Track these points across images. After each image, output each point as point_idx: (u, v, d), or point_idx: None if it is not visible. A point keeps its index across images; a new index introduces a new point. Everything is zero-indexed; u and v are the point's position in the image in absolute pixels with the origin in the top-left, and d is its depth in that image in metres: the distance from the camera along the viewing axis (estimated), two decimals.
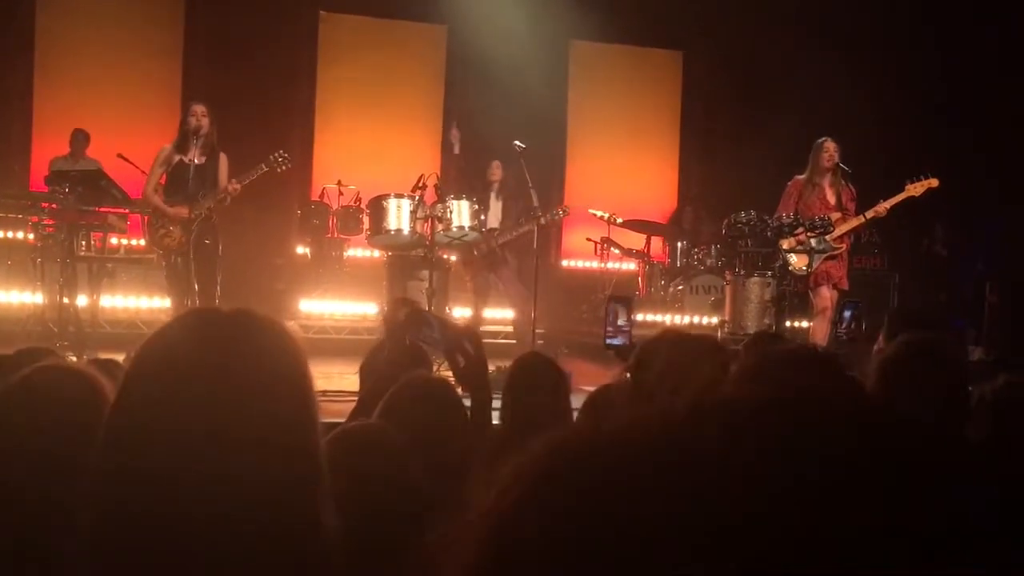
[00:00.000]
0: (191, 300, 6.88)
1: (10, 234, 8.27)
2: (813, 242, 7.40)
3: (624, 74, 12.70)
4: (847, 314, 7.19)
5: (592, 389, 3.25)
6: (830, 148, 7.51)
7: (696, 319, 10.02)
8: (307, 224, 9.87)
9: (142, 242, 8.80)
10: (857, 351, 6.29)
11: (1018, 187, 10.60)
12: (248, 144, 8.19)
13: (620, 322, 4.43)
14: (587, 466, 0.49)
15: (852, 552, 0.43)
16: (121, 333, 7.88)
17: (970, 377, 2.73)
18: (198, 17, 11.10)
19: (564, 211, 8.23)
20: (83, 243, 7.65)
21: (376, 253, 9.47)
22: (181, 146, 7.15)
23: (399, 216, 7.77)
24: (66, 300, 7.16)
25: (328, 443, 1.94)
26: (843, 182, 7.56)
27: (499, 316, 8.92)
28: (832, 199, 7.54)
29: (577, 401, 3.49)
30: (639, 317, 9.90)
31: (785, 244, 7.50)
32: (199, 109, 7.18)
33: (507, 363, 3.70)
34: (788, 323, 8.35)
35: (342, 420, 2.56)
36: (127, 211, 7.92)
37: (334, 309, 9.58)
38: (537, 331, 8.05)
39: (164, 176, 7.23)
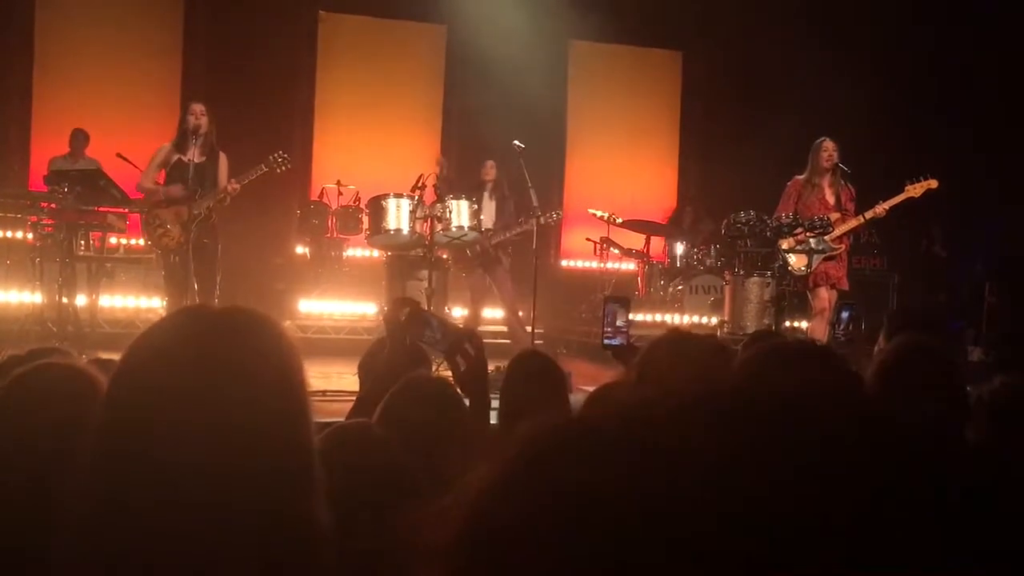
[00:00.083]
0: (189, 299, 6.88)
1: (9, 233, 8.26)
2: (812, 242, 7.40)
3: (624, 74, 12.71)
4: (844, 315, 7.21)
5: (591, 389, 3.24)
6: (829, 148, 7.51)
7: (696, 319, 10.02)
8: (306, 224, 9.87)
9: (141, 242, 8.79)
10: (855, 352, 6.30)
11: (1018, 187, 10.60)
12: (248, 144, 8.19)
13: (618, 323, 4.43)
14: (563, 453, 0.49)
15: (837, 546, 0.43)
16: (120, 333, 7.88)
17: (968, 378, 2.74)
18: (198, 17, 11.09)
19: (557, 215, 8.24)
20: (82, 243, 7.65)
21: (375, 253, 9.47)
22: (180, 145, 7.16)
23: (398, 216, 7.77)
24: (65, 300, 7.16)
25: (321, 440, 1.94)
26: (842, 182, 7.56)
27: (499, 316, 8.93)
28: (831, 199, 7.54)
29: (576, 402, 3.49)
30: (639, 317, 9.90)
31: (784, 244, 7.50)
32: (198, 108, 7.19)
33: (506, 363, 3.69)
34: (787, 323, 8.35)
35: (341, 420, 2.56)
36: (126, 211, 7.92)
37: (333, 309, 9.58)
38: (536, 331, 8.06)
39: (163, 174, 7.24)
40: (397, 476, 1.87)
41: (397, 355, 2.82)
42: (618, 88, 12.61)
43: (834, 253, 7.48)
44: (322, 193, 10.12)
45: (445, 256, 8.44)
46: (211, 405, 1.17)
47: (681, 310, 10.12)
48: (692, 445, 0.46)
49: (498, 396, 3.14)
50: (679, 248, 10.58)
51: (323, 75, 11.65)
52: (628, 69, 12.73)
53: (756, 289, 7.91)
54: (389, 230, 7.79)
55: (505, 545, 0.47)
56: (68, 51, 10.75)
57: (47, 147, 9.92)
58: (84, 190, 7.31)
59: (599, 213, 9.92)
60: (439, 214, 7.69)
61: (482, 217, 8.01)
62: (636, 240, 10.54)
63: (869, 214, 7.49)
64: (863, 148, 8.46)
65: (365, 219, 8.34)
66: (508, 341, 8.37)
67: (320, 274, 9.76)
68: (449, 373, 2.84)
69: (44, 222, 7.45)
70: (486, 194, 8.34)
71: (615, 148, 12.43)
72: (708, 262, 10.21)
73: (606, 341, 4.58)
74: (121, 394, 1.21)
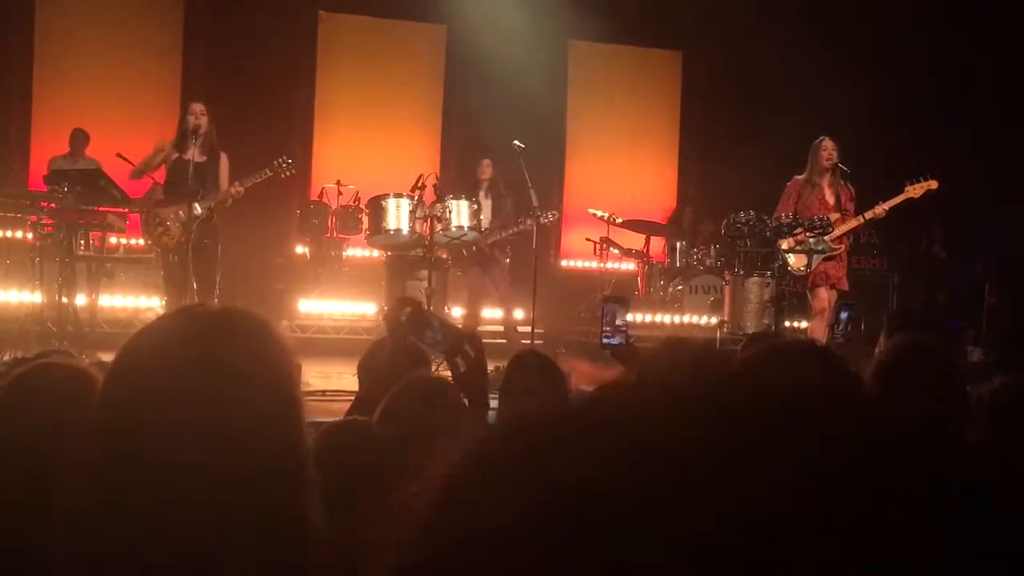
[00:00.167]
0: (189, 299, 6.89)
1: (9, 233, 8.26)
2: (812, 242, 7.40)
3: (623, 74, 12.71)
4: (843, 316, 7.20)
5: (591, 389, 3.24)
6: (828, 147, 7.50)
7: (695, 319, 10.02)
8: (306, 224, 9.86)
9: (141, 241, 8.80)
10: (854, 352, 6.30)
11: (1018, 187, 10.60)
12: (248, 144, 8.20)
13: (617, 322, 4.44)
14: (560, 448, 0.49)
15: (837, 546, 0.43)
16: (120, 333, 7.87)
17: (968, 378, 2.73)
18: (198, 17, 11.10)
19: (554, 215, 8.25)
20: (82, 242, 7.64)
21: (375, 253, 9.47)
22: (181, 145, 7.18)
23: (398, 216, 7.77)
24: (65, 299, 7.16)
25: (319, 438, 1.95)
26: (842, 182, 7.55)
27: (499, 316, 8.93)
28: (831, 199, 7.54)
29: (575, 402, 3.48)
30: (639, 318, 9.91)
31: (784, 244, 7.50)
32: (198, 108, 7.21)
33: (505, 363, 3.69)
34: (787, 323, 8.35)
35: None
36: (126, 210, 7.92)
37: (333, 309, 9.58)
38: (536, 331, 8.06)
39: (163, 171, 7.26)
40: (396, 475, 1.87)
41: (398, 355, 2.82)
42: (618, 88, 12.61)
43: (834, 253, 7.48)
44: (322, 193, 10.12)
45: (446, 257, 8.45)
46: (205, 405, 1.17)
47: (681, 310, 10.12)
48: (691, 444, 0.46)
49: (497, 397, 3.14)
50: (679, 248, 10.58)
51: (323, 75, 11.66)
52: (628, 69, 12.73)
53: (756, 289, 7.91)
54: (389, 230, 7.79)
55: (486, 540, 0.46)
56: (68, 51, 10.75)
57: (47, 147, 9.92)
58: (84, 190, 7.31)
59: (599, 213, 9.91)
60: (439, 214, 7.69)
61: (481, 217, 8.01)
62: (636, 240, 10.54)
63: (869, 214, 7.49)
64: (863, 148, 8.46)
65: (365, 219, 8.34)
66: (503, 341, 8.37)
67: (320, 274, 9.76)
68: (448, 373, 2.84)
69: (44, 222, 7.44)
70: (482, 193, 8.35)
71: (615, 148, 12.43)
72: (708, 262, 10.21)
73: (605, 340, 4.58)
74: (115, 393, 1.22)
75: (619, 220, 10.02)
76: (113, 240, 9.17)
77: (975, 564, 0.44)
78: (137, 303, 8.83)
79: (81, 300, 7.62)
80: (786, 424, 0.47)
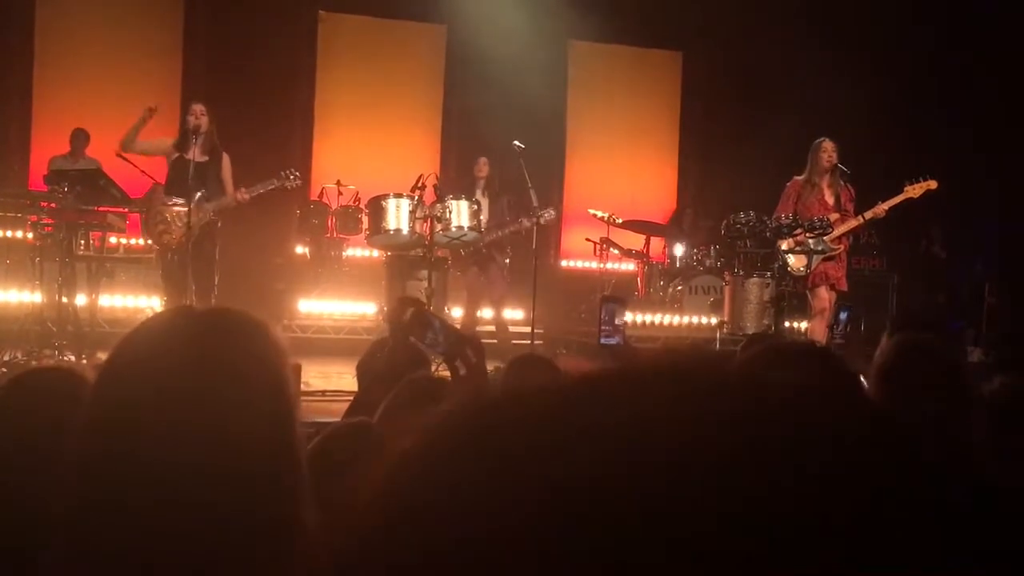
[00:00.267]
0: (188, 299, 6.90)
1: (9, 233, 8.26)
2: (811, 243, 7.40)
3: (623, 74, 12.71)
4: (842, 316, 7.21)
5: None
6: (828, 148, 7.51)
7: (695, 319, 10.02)
8: (306, 224, 9.87)
9: (141, 241, 8.80)
10: (851, 352, 6.30)
11: (1018, 187, 10.61)
12: (248, 144, 8.21)
13: (615, 322, 4.45)
14: (479, 425, 0.49)
15: (837, 546, 0.42)
16: (120, 333, 7.80)
17: (971, 378, 2.73)
18: (198, 17, 11.10)
19: (550, 213, 8.25)
20: (82, 242, 7.64)
21: (375, 253, 9.47)
22: (181, 145, 7.19)
23: (398, 216, 7.77)
24: (65, 299, 7.16)
25: (322, 440, 1.95)
26: (842, 183, 7.56)
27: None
28: (831, 200, 7.55)
29: None
30: (639, 318, 9.92)
31: (784, 245, 7.50)
32: (198, 108, 7.23)
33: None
34: (787, 324, 8.35)
35: (339, 419, 2.56)
36: (126, 210, 7.92)
37: (333, 309, 9.58)
38: (536, 331, 8.06)
39: (164, 170, 7.28)
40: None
41: (399, 354, 2.82)
42: (618, 88, 12.62)
43: (833, 253, 7.48)
44: (322, 193, 10.13)
45: (446, 257, 8.45)
46: (198, 404, 1.17)
47: (681, 311, 10.12)
48: (691, 444, 0.46)
49: None
50: (679, 249, 10.59)
51: (323, 75, 11.66)
52: (628, 69, 12.73)
53: (756, 290, 7.91)
54: (389, 230, 7.79)
55: (433, 511, 0.46)
56: (68, 51, 10.75)
57: (47, 146, 9.92)
58: (84, 190, 7.31)
59: (599, 213, 9.92)
60: (439, 214, 7.70)
61: (482, 217, 8.02)
62: (636, 240, 10.54)
63: (869, 214, 7.49)
64: (863, 148, 8.46)
65: (365, 219, 8.34)
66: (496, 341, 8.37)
67: (320, 274, 9.76)
68: (447, 374, 2.84)
69: (44, 222, 7.44)
70: (479, 191, 8.35)
71: (615, 148, 12.43)
72: (708, 263, 10.21)
73: (603, 340, 4.59)
74: (108, 392, 1.22)
75: (619, 220, 10.02)
76: (113, 240, 9.17)
77: (975, 564, 0.44)
78: (137, 303, 8.84)
79: (81, 300, 7.62)
80: (786, 424, 0.47)
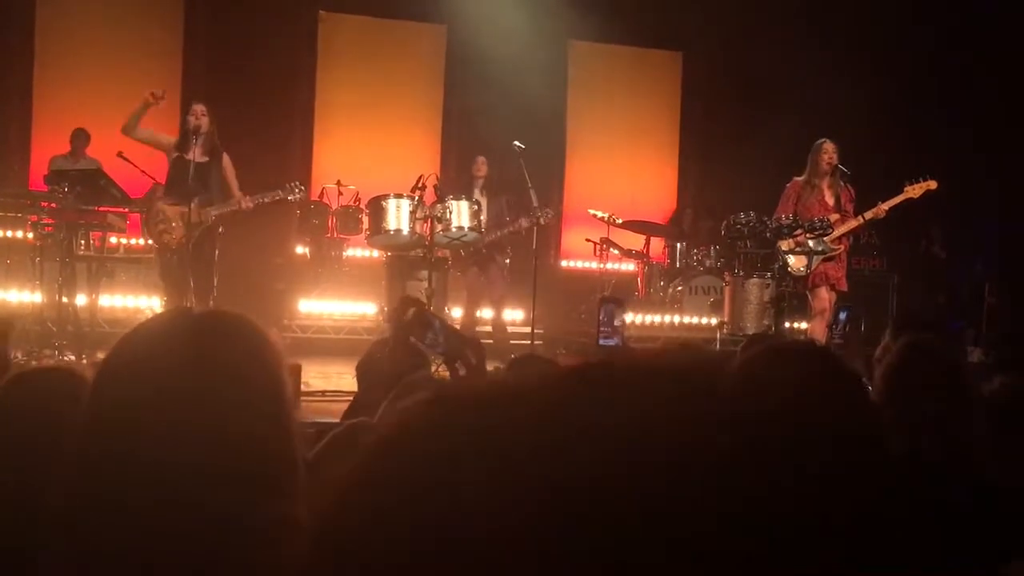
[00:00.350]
0: (187, 299, 6.90)
1: (9, 233, 8.26)
2: (812, 243, 7.40)
3: (623, 74, 12.70)
4: (842, 316, 7.20)
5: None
6: (829, 149, 7.51)
7: (695, 320, 10.02)
8: (306, 224, 9.86)
9: (141, 241, 8.79)
10: (850, 353, 6.30)
11: (1018, 187, 10.61)
12: (248, 144, 8.20)
13: (614, 322, 4.44)
14: (555, 447, 0.49)
15: (837, 546, 0.43)
16: (120, 333, 7.80)
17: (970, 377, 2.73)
18: (198, 17, 11.10)
19: (549, 213, 8.25)
20: (82, 242, 7.64)
21: (375, 253, 9.47)
22: (182, 145, 7.19)
23: (398, 216, 7.77)
24: (65, 299, 7.16)
25: (326, 444, 1.95)
26: (842, 183, 7.56)
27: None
28: (831, 200, 7.54)
29: None
30: (639, 319, 9.91)
31: (784, 245, 7.50)
32: (199, 108, 7.22)
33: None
34: (787, 324, 8.35)
35: (339, 420, 2.56)
36: (126, 210, 7.92)
37: (333, 309, 9.57)
38: (536, 332, 8.06)
39: (165, 170, 7.29)
40: None
41: (399, 355, 2.82)
42: (618, 88, 12.61)
43: (833, 254, 7.48)
44: (322, 193, 10.12)
45: (447, 257, 8.45)
46: (195, 405, 1.17)
47: (681, 311, 10.12)
48: (691, 444, 0.46)
49: None
50: (679, 249, 10.58)
51: (323, 75, 11.65)
52: (628, 69, 12.73)
53: (756, 290, 7.91)
54: (389, 230, 7.79)
55: (403, 502, 0.46)
56: (68, 51, 10.75)
57: (47, 146, 9.92)
58: (84, 190, 7.31)
59: (599, 214, 9.91)
60: (439, 214, 7.70)
61: (482, 217, 8.02)
62: (636, 241, 10.54)
63: (869, 214, 7.49)
64: (863, 148, 8.46)
65: (365, 219, 8.34)
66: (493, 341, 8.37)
67: (320, 274, 9.76)
68: (447, 374, 2.84)
69: (44, 222, 7.44)
70: (477, 191, 8.35)
71: (615, 148, 12.43)
72: (708, 263, 10.21)
73: (602, 341, 4.58)
74: (105, 392, 1.22)
75: (619, 221, 10.02)
76: (113, 240, 9.17)
77: (975, 564, 0.44)
78: (137, 303, 8.83)
79: (81, 300, 7.62)
80: (786, 424, 0.47)
